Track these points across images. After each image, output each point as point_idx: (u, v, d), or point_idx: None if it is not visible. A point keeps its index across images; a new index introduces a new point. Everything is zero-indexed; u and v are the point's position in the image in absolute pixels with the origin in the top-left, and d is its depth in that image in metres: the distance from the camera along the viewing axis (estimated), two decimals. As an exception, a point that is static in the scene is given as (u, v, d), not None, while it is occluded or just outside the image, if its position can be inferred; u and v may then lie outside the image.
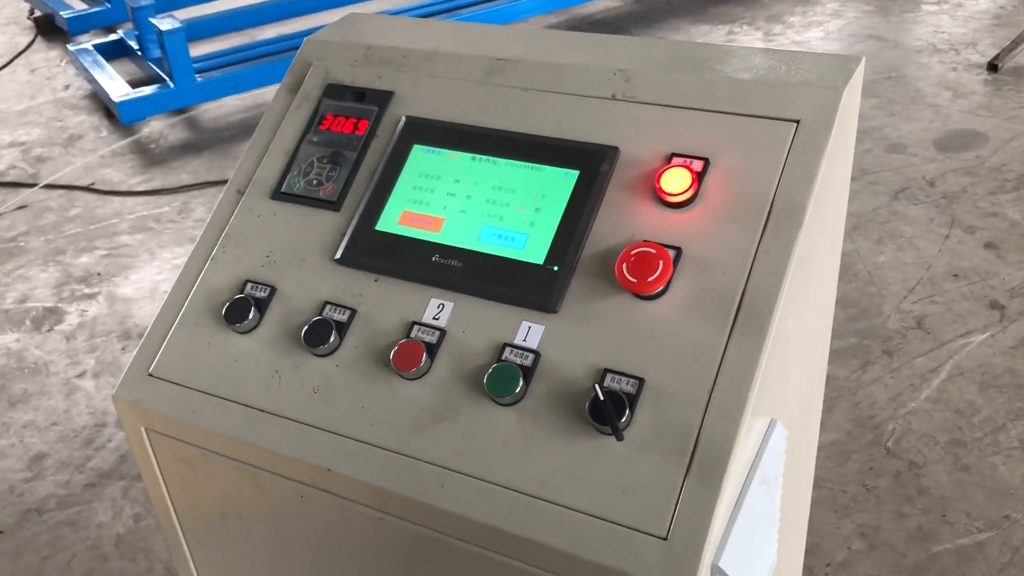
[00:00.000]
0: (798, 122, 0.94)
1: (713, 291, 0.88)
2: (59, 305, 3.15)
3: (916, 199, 3.34)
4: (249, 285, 1.05)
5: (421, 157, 1.05)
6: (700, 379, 0.85)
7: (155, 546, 2.26)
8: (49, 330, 3.04)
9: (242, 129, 4.18)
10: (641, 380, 0.86)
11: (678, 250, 0.91)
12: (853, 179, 3.42)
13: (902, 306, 2.84)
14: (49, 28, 5.27)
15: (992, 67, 4.17)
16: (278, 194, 1.10)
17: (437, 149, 1.05)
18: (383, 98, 1.11)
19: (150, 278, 3.25)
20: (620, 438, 0.84)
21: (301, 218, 1.07)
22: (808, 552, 2.04)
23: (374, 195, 1.04)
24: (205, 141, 4.11)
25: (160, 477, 1.09)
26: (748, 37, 4.74)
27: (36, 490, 2.46)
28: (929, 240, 3.13)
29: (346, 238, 1.03)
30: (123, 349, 2.93)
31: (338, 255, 1.03)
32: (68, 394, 2.77)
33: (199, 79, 4.08)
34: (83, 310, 3.12)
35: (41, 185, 3.82)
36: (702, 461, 0.82)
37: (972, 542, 2.10)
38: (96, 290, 3.21)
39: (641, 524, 0.81)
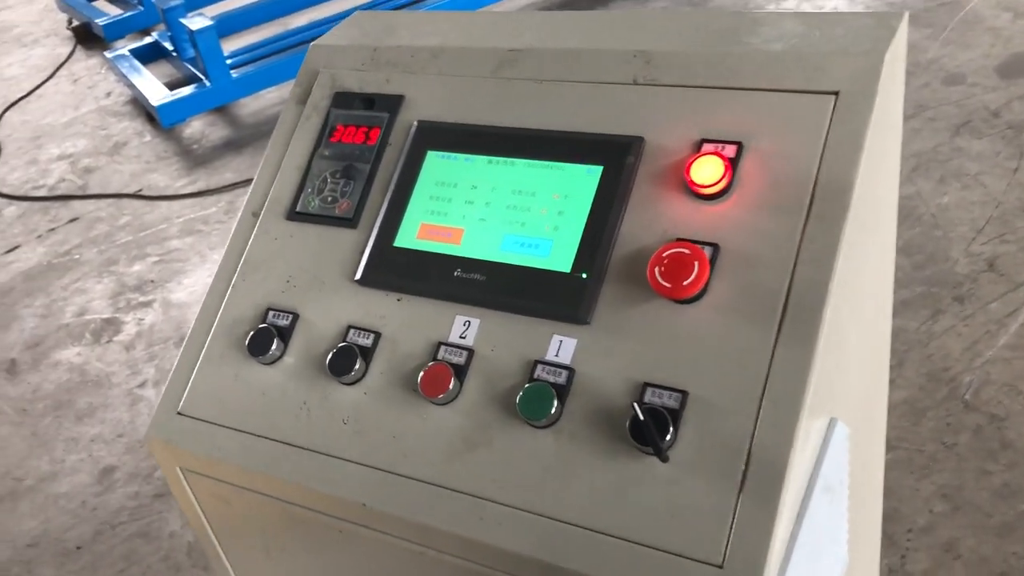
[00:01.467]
0: (837, 94, 0.86)
1: (756, 289, 0.81)
2: (116, 316, 3.19)
3: (980, 132, 3.17)
4: (271, 313, 1.01)
5: (436, 164, 1.00)
6: (748, 387, 0.79)
7: (226, 553, 2.28)
8: (108, 341, 3.08)
9: (281, 121, 4.16)
10: (684, 393, 0.80)
11: (715, 247, 0.84)
12: (910, 117, 3.27)
13: (971, 248, 2.70)
14: (87, 36, 5.30)
15: (1053, -18, 3.93)
16: (293, 214, 1.05)
17: (451, 154, 0.99)
18: (393, 103, 1.05)
19: (202, 281, 3.26)
20: (665, 459, 0.78)
21: (318, 238, 1.02)
22: (887, 518, 1.96)
23: (390, 209, 0.99)
24: (246, 137, 4.10)
25: (201, 515, 1.06)
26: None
27: (108, 503, 2.50)
28: (996, 175, 2.97)
29: (365, 257, 0.98)
30: (181, 355, 2.95)
31: (358, 276, 0.98)
32: (131, 405, 2.80)
33: (235, 75, 4.07)
34: (140, 319, 3.15)
35: (90, 196, 3.86)
36: (756, 478, 0.76)
37: (1063, 496, 2.00)
38: (151, 297, 3.24)
39: (694, 551, 0.75)
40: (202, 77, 4.07)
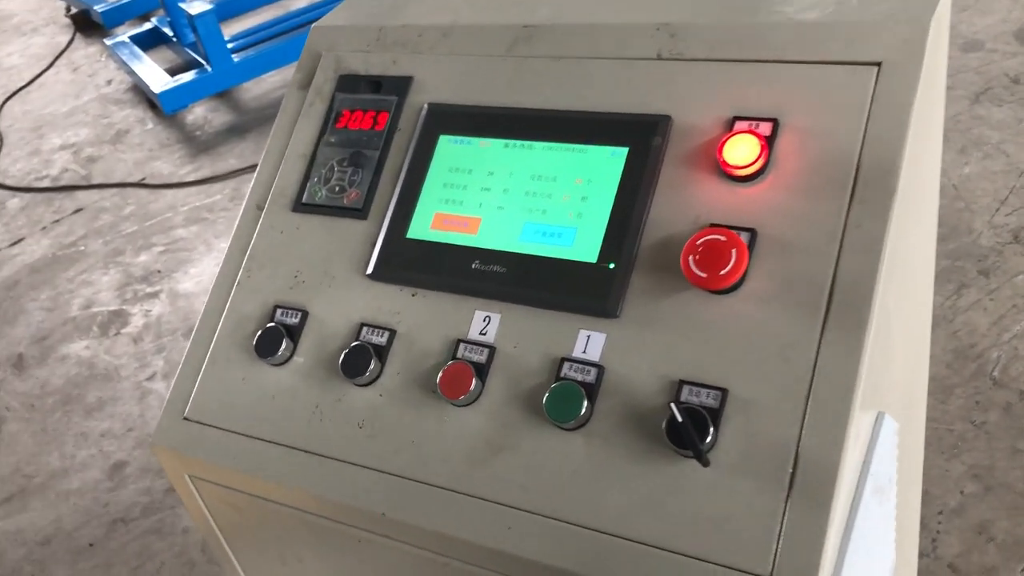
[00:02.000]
0: (879, 65, 0.80)
1: (798, 278, 0.76)
2: (123, 307, 3.14)
3: (1000, 100, 3.09)
4: (279, 311, 0.95)
5: (448, 149, 0.94)
6: (793, 383, 0.73)
7: (240, 548, 2.24)
8: (116, 334, 3.03)
9: (285, 105, 4.09)
10: (724, 391, 0.75)
11: (752, 232, 0.78)
12: (928, 86, 3.18)
13: (995, 220, 2.64)
14: (86, 23, 5.24)
15: (1071, -57, 3.83)
16: (299, 206, 1.00)
17: (465, 138, 0.94)
18: (401, 85, 0.99)
19: (209, 271, 3.21)
20: (706, 463, 0.72)
21: (326, 231, 0.97)
22: (917, 500, 1.91)
23: (402, 198, 0.94)
24: (249, 122, 4.04)
25: (213, 523, 1.02)
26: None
27: (120, 499, 2.46)
28: (1019, 144, 2.89)
29: (376, 250, 0.93)
30: (190, 347, 2.90)
31: (370, 270, 0.92)
32: (141, 398, 2.76)
33: (236, 59, 4.00)
34: (147, 310, 3.10)
35: (94, 186, 3.81)
36: (805, 481, 0.71)
37: (1098, 474, 1.94)
38: (158, 288, 3.19)
39: (739, 561, 0.70)
40: (203, 62, 4.01)
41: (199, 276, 3.20)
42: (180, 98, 3.96)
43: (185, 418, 0.96)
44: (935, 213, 1.05)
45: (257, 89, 4.26)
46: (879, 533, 0.83)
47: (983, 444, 2.05)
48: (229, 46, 4.00)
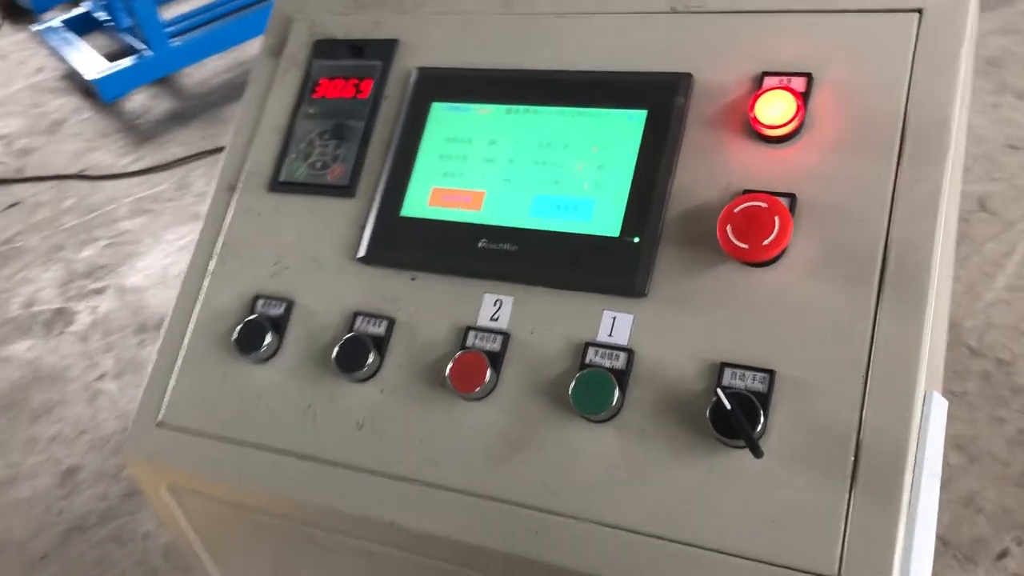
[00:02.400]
0: (921, 12, 0.73)
1: (846, 246, 0.69)
2: (67, 305, 2.99)
3: (958, 68, 3.08)
4: (260, 302, 0.86)
5: (443, 117, 0.85)
6: (849, 362, 0.66)
7: (206, 553, 2.14)
8: (61, 333, 2.88)
9: (229, 90, 3.94)
10: (771, 373, 0.68)
11: (791, 198, 0.72)
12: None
13: (961, 189, 2.62)
14: (13, 9, 5.00)
15: (1019, -89, 3.83)
16: (277, 184, 0.90)
17: (462, 104, 0.85)
18: (386, 48, 0.90)
19: (158, 263, 3.07)
20: (759, 454, 0.65)
21: (309, 211, 0.88)
22: (904, 474, 1.88)
23: (393, 173, 0.85)
24: (192, 108, 3.88)
25: (196, 539, 0.92)
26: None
27: (74, 507, 2.33)
28: (977, 111, 2.88)
29: (367, 230, 0.84)
30: (140, 344, 2.77)
31: (361, 253, 0.84)
32: (91, 399, 2.63)
33: (176, 43, 3.83)
34: (93, 307, 2.96)
35: (30, 179, 3.63)
36: (869, 469, 0.64)
37: (1081, 440, 1.93)
38: (104, 284, 3.04)
39: (802, 561, 0.64)
40: (142, 47, 3.83)
41: (147, 270, 3.06)
42: (119, 85, 3.79)
43: (160, 424, 0.86)
44: (961, 168, 0.99)
45: (199, 74, 4.09)
46: (932, 519, 0.77)
47: (964, 414, 2.02)
48: (168, 30, 3.83)
